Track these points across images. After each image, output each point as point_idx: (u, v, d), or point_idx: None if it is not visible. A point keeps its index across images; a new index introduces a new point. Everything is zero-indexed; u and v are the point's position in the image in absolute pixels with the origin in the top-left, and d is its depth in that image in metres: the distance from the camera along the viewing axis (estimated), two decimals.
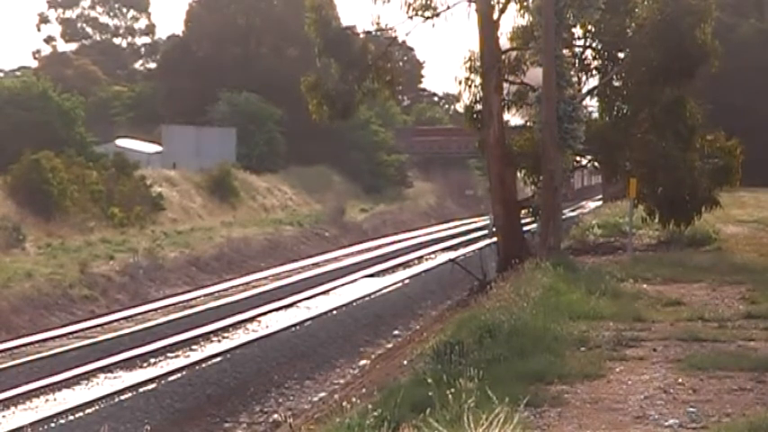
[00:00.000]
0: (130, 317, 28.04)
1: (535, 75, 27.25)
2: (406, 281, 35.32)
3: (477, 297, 21.74)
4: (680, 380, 11.87)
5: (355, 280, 34.96)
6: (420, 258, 41.83)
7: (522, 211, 28.01)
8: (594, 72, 28.93)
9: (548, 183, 24.38)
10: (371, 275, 36.32)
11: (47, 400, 18.96)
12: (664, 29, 26.63)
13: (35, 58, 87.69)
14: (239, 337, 25.02)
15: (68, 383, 20.02)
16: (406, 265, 39.64)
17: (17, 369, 21.17)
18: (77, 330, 25.82)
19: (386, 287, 33.57)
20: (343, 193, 60.64)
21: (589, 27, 27.88)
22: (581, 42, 28.45)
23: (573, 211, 57.04)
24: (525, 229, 29.38)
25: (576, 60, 28.27)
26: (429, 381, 10.11)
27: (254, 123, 61.73)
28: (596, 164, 31.32)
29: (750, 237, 29.17)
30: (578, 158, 30.16)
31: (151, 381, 20.21)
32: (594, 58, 28.87)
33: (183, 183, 50.33)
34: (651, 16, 27.09)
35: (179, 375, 20.90)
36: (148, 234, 39.34)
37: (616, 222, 32.01)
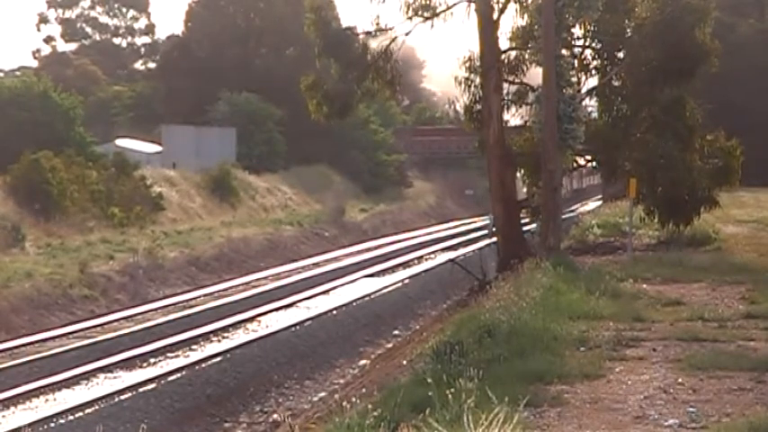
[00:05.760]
0: (130, 317, 28.02)
1: (535, 75, 27.29)
2: (406, 281, 35.32)
3: (476, 297, 21.76)
4: (680, 380, 11.88)
5: (355, 280, 34.95)
6: (420, 258, 41.82)
7: (522, 211, 28.05)
8: (594, 72, 28.96)
9: (548, 183, 24.39)
10: (371, 275, 36.31)
11: (47, 400, 18.95)
12: (663, 29, 26.64)
13: (35, 58, 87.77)
14: (239, 337, 25.01)
15: (68, 383, 20.00)
16: (405, 264, 39.63)
17: (17, 369, 21.15)
18: (77, 330, 25.81)
19: (386, 287, 33.55)
20: (343, 192, 60.60)
21: (589, 27, 27.89)
22: (581, 42, 28.47)
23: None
24: (525, 229, 29.40)
25: (576, 60, 28.29)
26: (429, 381, 10.12)
27: (254, 123, 61.71)
28: (596, 164, 31.36)
29: (750, 237, 29.17)
30: (578, 158, 30.21)
31: (151, 381, 20.19)
32: (594, 58, 28.89)
33: (183, 183, 50.31)
34: (651, 16, 27.10)
35: (179, 375, 20.89)
36: (148, 234, 39.32)
37: (616, 222, 32.03)
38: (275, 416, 18.64)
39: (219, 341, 24.52)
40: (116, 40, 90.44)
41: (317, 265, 39.99)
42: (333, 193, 58.64)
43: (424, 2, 26.92)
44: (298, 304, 29.86)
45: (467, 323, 15.35)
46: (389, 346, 25.48)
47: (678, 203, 27.57)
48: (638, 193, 26.82)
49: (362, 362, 23.99)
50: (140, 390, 19.58)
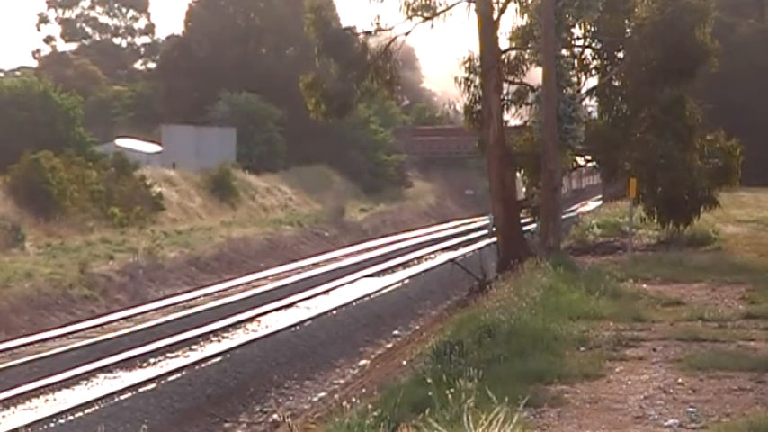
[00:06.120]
0: (130, 317, 28.03)
1: (535, 75, 27.30)
2: (406, 281, 35.31)
3: (476, 297, 21.77)
4: (680, 380, 11.88)
5: (355, 280, 34.95)
6: (420, 258, 41.82)
7: (522, 211, 28.06)
8: (594, 72, 28.96)
9: (548, 183, 24.39)
10: (371, 275, 36.31)
11: (46, 400, 18.96)
12: (663, 29, 26.64)
13: (35, 58, 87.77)
14: (239, 337, 25.01)
15: (68, 383, 20.01)
16: (405, 264, 39.63)
17: (17, 369, 21.16)
18: (77, 330, 25.81)
19: (386, 287, 33.55)
20: (343, 192, 60.60)
21: (589, 27, 27.89)
22: (581, 42, 28.47)
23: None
24: (525, 229, 29.40)
25: (576, 60, 28.29)
26: (429, 381, 10.11)
27: (254, 123, 61.72)
28: (596, 164, 31.38)
29: (750, 237, 29.17)
30: (578, 158, 30.23)
31: (151, 381, 20.20)
32: (594, 58, 28.90)
33: (183, 183, 50.31)
34: (651, 16, 27.10)
35: (179, 375, 20.90)
36: (148, 234, 39.32)
37: (616, 222, 32.03)
38: (275, 416, 18.64)
39: (219, 341, 24.52)
40: (116, 40, 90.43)
41: (316, 265, 40.00)
42: (333, 193, 58.64)
43: (423, 2, 26.93)
44: (298, 304, 29.86)
45: (467, 323, 15.35)
46: (389, 346, 25.47)
47: (678, 203, 27.56)
48: (638, 193, 26.82)
49: (362, 362, 23.99)
50: (140, 390, 19.58)
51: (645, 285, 19.83)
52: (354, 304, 30.09)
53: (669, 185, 27.19)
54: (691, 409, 10.52)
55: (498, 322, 13.86)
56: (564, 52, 26.51)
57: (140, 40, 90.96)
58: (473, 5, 26.48)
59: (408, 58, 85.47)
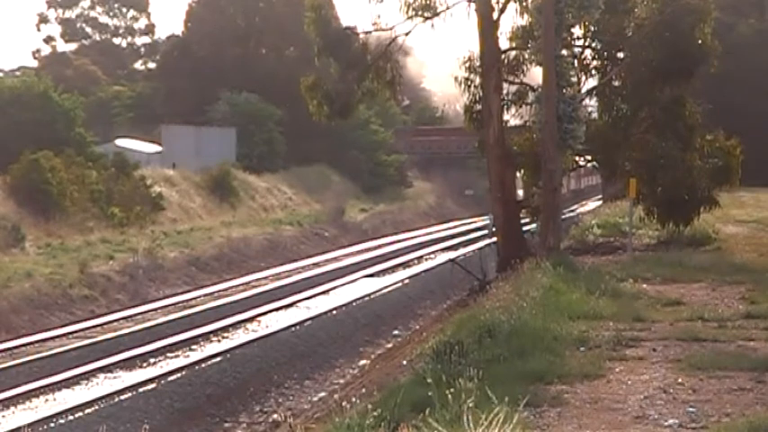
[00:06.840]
0: (130, 317, 28.05)
1: (535, 75, 27.30)
2: (406, 281, 35.32)
3: (476, 297, 21.77)
4: (680, 380, 11.88)
5: (355, 280, 34.96)
6: (420, 258, 41.83)
7: (522, 211, 28.06)
8: (594, 72, 28.97)
9: (548, 183, 24.39)
10: (371, 275, 36.31)
11: (46, 400, 18.97)
12: (663, 29, 26.65)
13: (35, 58, 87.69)
14: (239, 337, 25.02)
15: (68, 383, 20.02)
16: (405, 265, 39.64)
17: (17, 369, 21.17)
18: (77, 330, 25.83)
19: (386, 287, 33.56)
20: (343, 192, 60.62)
21: (589, 27, 27.90)
22: (581, 42, 28.48)
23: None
24: (525, 229, 29.40)
25: (576, 60, 28.29)
26: (429, 381, 10.11)
27: (254, 123, 61.70)
28: (596, 164, 31.38)
29: (750, 237, 29.14)
30: (578, 158, 30.22)
31: (151, 381, 20.22)
32: (594, 58, 28.90)
33: (183, 183, 50.31)
34: (651, 16, 27.11)
35: (179, 375, 20.91)
36: (148, 234, 39.33)
37: (616, 222, 32.00)
38: (275, 416, 18.64)
39: (219, 341, 24.53)
40: (116, 40, 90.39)
41: (316, 265, 40.00)
42: (333, 193, 58.65)
43: (424, 2, 26.92)
44: (298, 304, 29.87)
45: (467, 323, 15.35)
46: (389, 346, 25.48)
47: (678, 203, 27.55)
48: (638, 193, 26.81)
49: (362, 362, 24.00)
50: (140, 390, 19.59)
51: (645, 285, 19.81)
52: (354, 304, 30.10)
53: (669, 185, 27.17)
54: (691, 409, 10.52)
55: (498, 322, 13.86)
56: (564, 52, 26.49)
57: (140, 40, 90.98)
58: (473, 5, 26.47)
59: (409, 57, 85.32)
